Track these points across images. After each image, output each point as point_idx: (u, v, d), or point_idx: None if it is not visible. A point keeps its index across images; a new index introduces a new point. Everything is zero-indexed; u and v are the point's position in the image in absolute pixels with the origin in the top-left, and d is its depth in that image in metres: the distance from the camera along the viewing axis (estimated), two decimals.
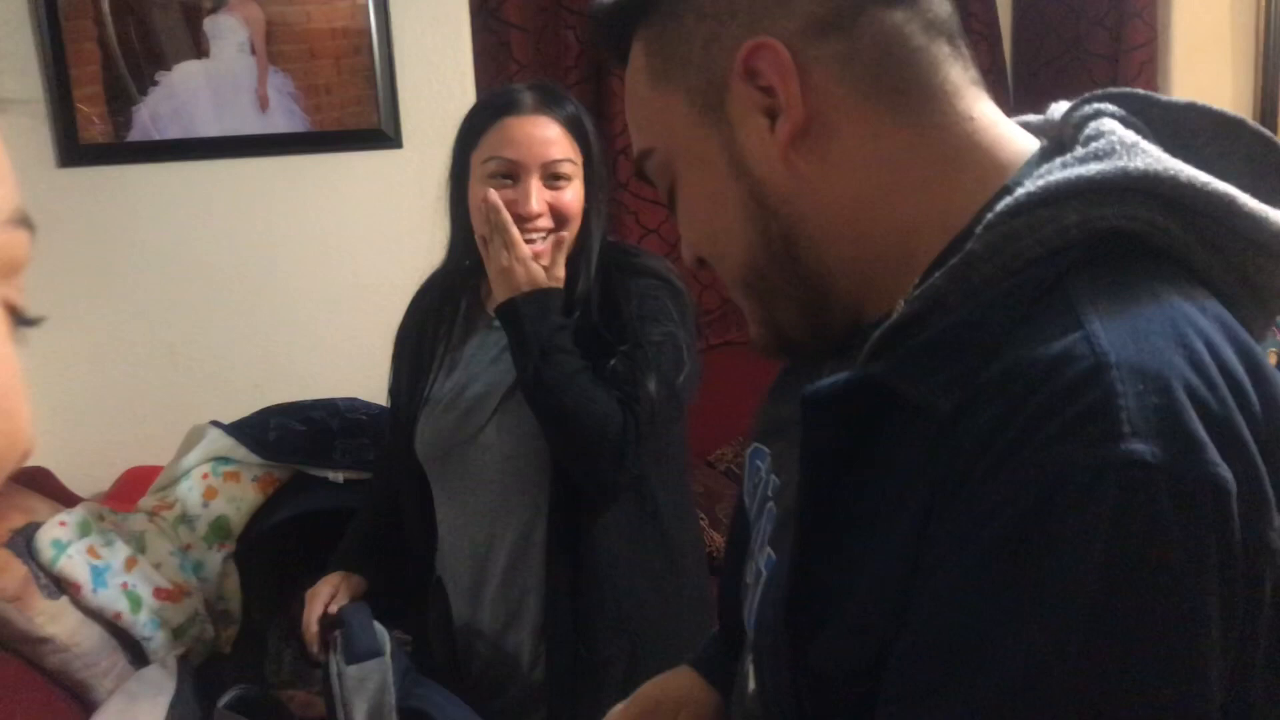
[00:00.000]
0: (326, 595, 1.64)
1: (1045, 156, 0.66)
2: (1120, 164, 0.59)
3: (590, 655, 1.55)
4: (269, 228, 2.47)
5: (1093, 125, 0.65)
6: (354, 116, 2.45)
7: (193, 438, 1.97)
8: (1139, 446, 0.50)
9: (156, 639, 1.73)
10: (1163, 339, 0.54)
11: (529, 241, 1.53)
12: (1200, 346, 0.54)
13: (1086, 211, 0.58)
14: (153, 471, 2.12)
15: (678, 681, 1.08)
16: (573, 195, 1.58)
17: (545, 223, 1.55)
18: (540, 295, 1.51)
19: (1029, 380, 0.54)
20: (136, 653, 1.73)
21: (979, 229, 0.60)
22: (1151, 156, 0.60)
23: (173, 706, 1.59)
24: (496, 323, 1.60)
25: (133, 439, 2.41)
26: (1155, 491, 0.50)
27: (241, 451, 1.93)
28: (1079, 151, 0.62)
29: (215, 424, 1.97)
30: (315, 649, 1.61)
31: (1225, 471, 0.51)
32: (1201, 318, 0.57)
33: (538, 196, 1.54)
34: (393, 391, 1.75)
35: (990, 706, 0.53)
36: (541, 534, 1.58)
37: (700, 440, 2.44)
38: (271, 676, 1.97)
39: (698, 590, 1.68)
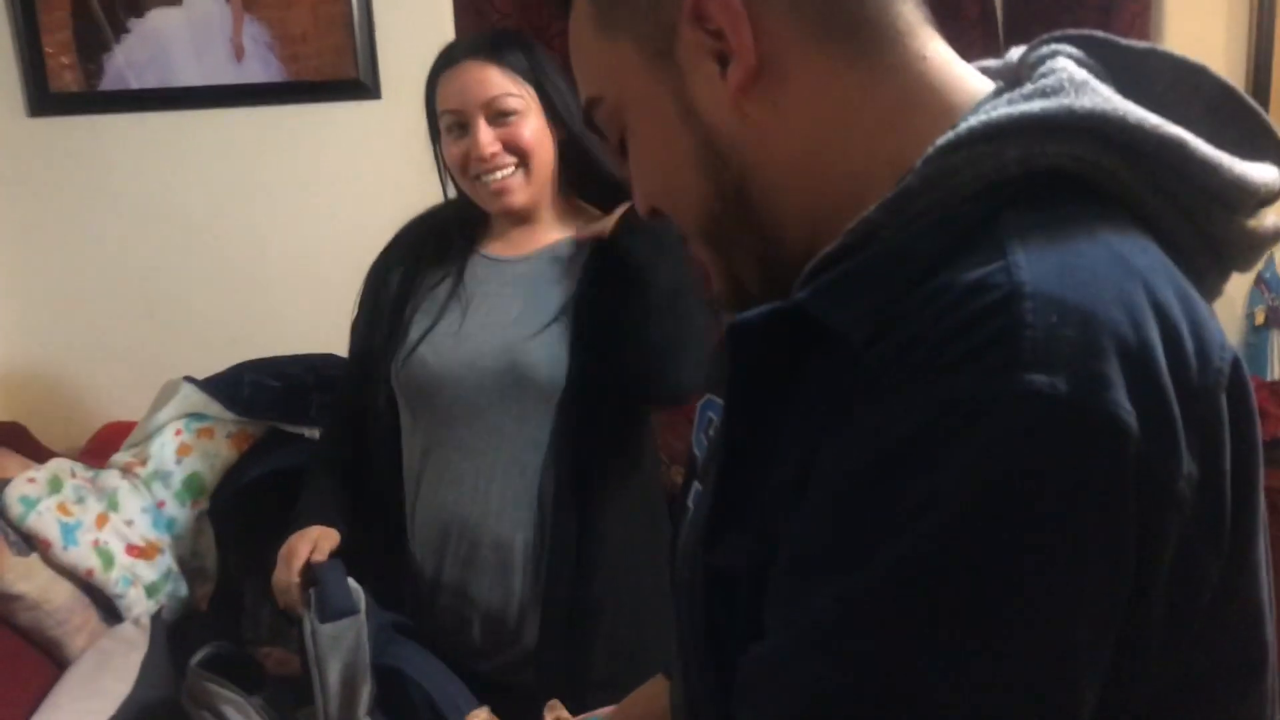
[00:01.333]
0: (305, 551, 1.59)
1: (998, 97, 0.63)
2: (1066, 102, 0.57)
3: (583, 615, 1.55)
4: (246, 180, 2.43)
5: (1046, 65, 0.63)
6: (331, 66, 2.39)
7: (166, 394, 1.95)
8: (1038, 378, 0.49)
9: (129, 596, 1.72)
10: (1091, 275, 0.53)
11: (491, 179, 1.55)
12: (1133, 287, 0.53)
13: (1028, 148, 0.56)
14: (129, 427, 2.09)
15: (658, 694, 1.07)
16: (529, 131, 1.56)
17: (504, 159, 1.55)
18: None
19: (940, 306, 0.53)
20: (109, 610, 1.72)
21: (918, 163, 0.59)
22: (1101, 96, 0.58)
23: (145, 664, 1.58)
24: (493, 255, 1.64)
25: (109, 394, 2.39)
26: (1047, 424, 0.49)
27: (215, 408, 1.90)
28: (1026, 89, 0.60)
29: (189, 380, 1.94)
30: (297, 607, 1.57)
31: (1128, 414, 0.49)
32: (1140, 258, 0.55)
33: (484, 137, 1.53)
34: (360, 332, 1.71)
35: (859, 599, 0.52)
36: (536, 483, 1.56)
37: None
38: (249, 634, 1.96)
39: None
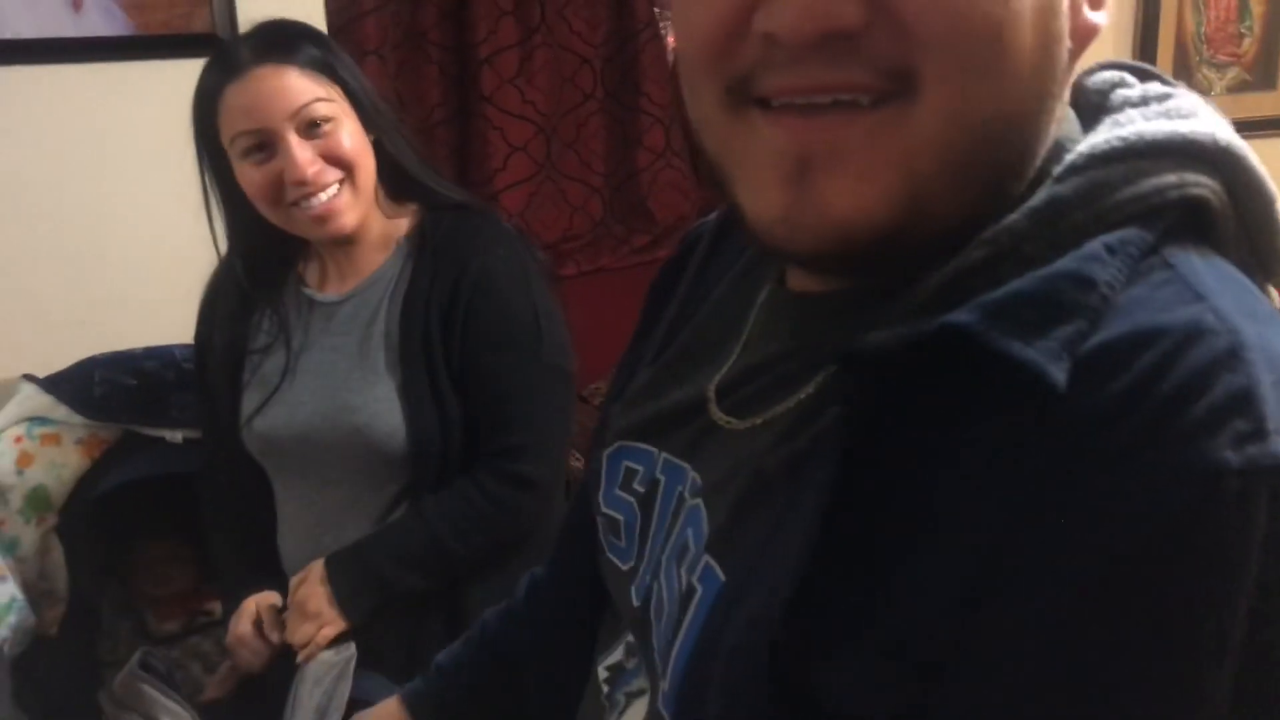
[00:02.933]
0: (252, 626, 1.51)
1: (1085, 118, 0.59)
2: (1210, 129, 0.52)
3: None
4: (87, 145, 2.18)
5: (1127, 92, 0.58)
6: (183, 19, 2.15)
7: (1, 394, 1.72)
8: None
9: None
10: (1267, 325, 0.47)
11: (315, 204, 1.38)
12: None
13: (1183, 174, 0.51)
14: None
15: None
16: (349, 138, 1.39)
17: (328, 176, 1.37)
18: (343, 568, 1.43)
19: (1158, 355, 0.45)
20: None
21: (1059, 170, 0.53)
22: (1228, 129, 0.54)
23: None
24: (319, 297, 1.50)
25: None
26: None
27: (62, 410, 1.69)
28: (1156, 106, 0.55)
29: (29, 378, 1.72)
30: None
31: None
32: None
33: (301, 154, 1.34)
34: (201, 403, 1.62)
35: None
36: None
37: None
38: (106, 655, 1.77)
39: None
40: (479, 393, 1.43)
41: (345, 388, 1.44)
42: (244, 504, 1.60)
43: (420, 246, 1.47)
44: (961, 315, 0.48)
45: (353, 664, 1.40)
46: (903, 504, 0.50)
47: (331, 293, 1.51)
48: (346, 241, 1.47)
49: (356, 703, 1.38)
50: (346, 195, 1.39)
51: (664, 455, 0.71)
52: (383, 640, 1.45)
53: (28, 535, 1.66)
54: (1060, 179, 0.52)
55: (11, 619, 1.59)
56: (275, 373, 1.49)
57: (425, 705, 0.99)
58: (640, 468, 0.72)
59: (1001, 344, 0.46)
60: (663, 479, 0.70)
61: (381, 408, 1.41)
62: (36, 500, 1.67)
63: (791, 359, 0.63)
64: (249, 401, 1.51)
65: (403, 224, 1.51)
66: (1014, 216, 0.51)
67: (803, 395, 0.60)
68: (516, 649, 0.94)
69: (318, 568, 1.44)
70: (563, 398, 1.50)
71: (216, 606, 1.80)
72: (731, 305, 0.73)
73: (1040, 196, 0.52)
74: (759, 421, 0.63)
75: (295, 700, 1.37)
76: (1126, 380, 0.45)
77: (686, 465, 0.68)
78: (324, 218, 1.38)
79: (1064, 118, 0.58)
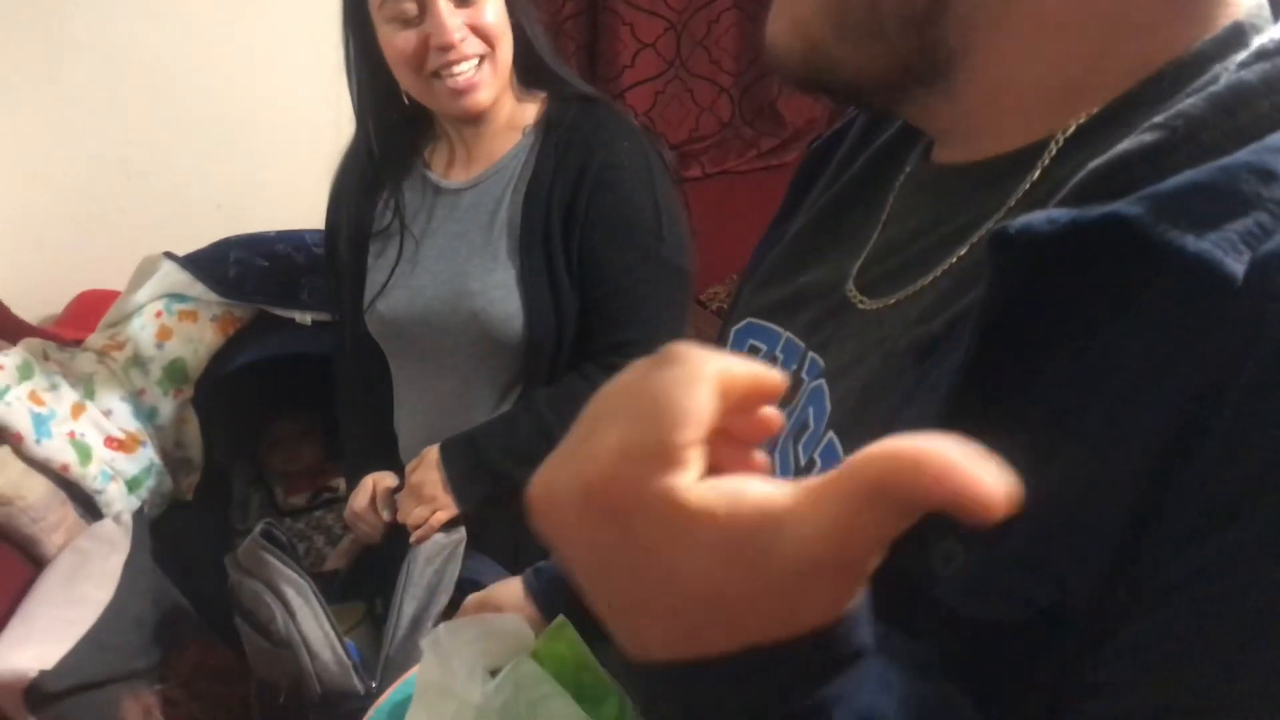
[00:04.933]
0: (368, 502, 1.59)
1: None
2: None
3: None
4: (230, 29, 2.23)
5: None
6: None
7: (145, 270, 1.80)
8: None
9: (109, 491, 1.61)
10: None
11: (458, 74, 1.38)
12: None
13: None
14: (107, 296, 1.96)
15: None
16: (494, 14, 1.39)
17: (472, 47, 1.38)
18: (457, 456, 1.46)
19: None
20: (89, 506, 1.61)
21: (1246, 55, 0.50)
22: None
23: (127, 568, 1.48)
24: (444, 183, 1.51)
25: (85, 260, 2.23)
26: None
27: (199, 289, 1.76)
28: None
29: (169, 256, 1.79)
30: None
31: None
32: None
33: (451, 20, 1.35)
34: (329, 284, 1.67)
35: None
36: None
37: None
38: (237, 524, 1.87)
39: None
40: (594, 286, 1.43)
41: (466, 273, 1.46)
42: (370, 386, 1.65)
43: (545, 135, 1.48)
44: (1129, 206, 0.45)
45: (462, 546, 1.45)
46: (1049, 396, 0.47)
47: (456, 179, 1.52)
48: (475, 123, 1.48)
49: (465, 582, 1.44)
50: (486, 71, 1.40)
51: (787, 335, 0.70)
52: (490, 525, 1.49)
53: (166, 406, 1.75)
54: (1248, 65, 0.49)
55: (150, 482, 1.69)
56: (398, 256, 1.53)
57: (556, 601, 1.00)
58: (763, 346, 0.72)
59: (1171, 237, 0.44)
60: (780, 358, 0.69)
61: (499, 294, 1.43)
62: (174, 373, 1.75)
63: (928, 233, 0.61)
64: (372, 284, 1.54)
65: (530, 111, 1.51)
66: (1193, 101, 0.48)
67: (937, 274, 0.58)
68: None
69: (433, 453, 1.48)
70: (678, 296, 1.49)
71: (341, 483, 1.88)
72: (872, 185, 0.71)
73: (1224, 82, 0.49)
74: (890, 302, 0.61)
75: (408, 576, 1.43)
76: None
77: (807, 347, 0.67)
78: (463, 91, 1.40)
79: (1217, 9, 0.53)
